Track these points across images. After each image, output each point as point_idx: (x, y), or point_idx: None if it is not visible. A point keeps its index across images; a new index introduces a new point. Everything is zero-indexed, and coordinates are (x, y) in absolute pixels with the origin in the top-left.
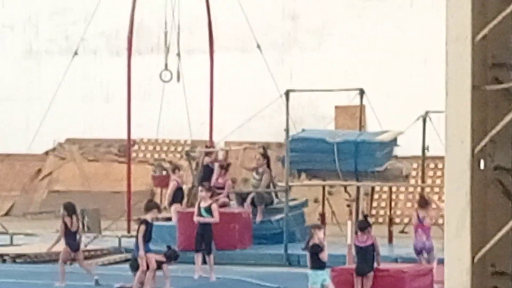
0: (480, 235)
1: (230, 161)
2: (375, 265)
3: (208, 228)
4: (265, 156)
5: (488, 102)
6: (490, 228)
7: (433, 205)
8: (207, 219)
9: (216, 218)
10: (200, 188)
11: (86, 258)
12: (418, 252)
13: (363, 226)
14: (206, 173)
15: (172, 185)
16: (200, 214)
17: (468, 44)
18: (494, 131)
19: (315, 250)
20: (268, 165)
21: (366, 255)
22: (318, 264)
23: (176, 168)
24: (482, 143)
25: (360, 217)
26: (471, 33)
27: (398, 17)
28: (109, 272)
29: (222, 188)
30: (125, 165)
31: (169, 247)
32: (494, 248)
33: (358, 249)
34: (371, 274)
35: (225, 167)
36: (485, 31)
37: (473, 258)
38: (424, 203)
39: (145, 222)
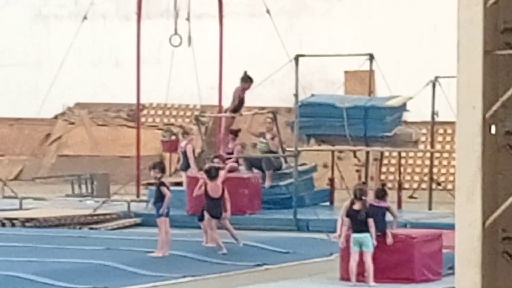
0: (491, 200)
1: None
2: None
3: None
4: (274, 121)
5: (499, 67)
6: (501, 193)
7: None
8: None
9: None
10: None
11: (95, 222)
12: None
13: (380, 194)
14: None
15: (189, 147)
16: None
17: (479, 9)
18: (505, 96)
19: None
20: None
21: (377, 215)
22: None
23: (185, 132)
24: (494, 108)
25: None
26: None
27: None
28: (118, 237)
29: (231, 153)
30: (134, 129)
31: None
32: (505, 213)
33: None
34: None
35: (234, 132)
36: None
37: (484, 223)
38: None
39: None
